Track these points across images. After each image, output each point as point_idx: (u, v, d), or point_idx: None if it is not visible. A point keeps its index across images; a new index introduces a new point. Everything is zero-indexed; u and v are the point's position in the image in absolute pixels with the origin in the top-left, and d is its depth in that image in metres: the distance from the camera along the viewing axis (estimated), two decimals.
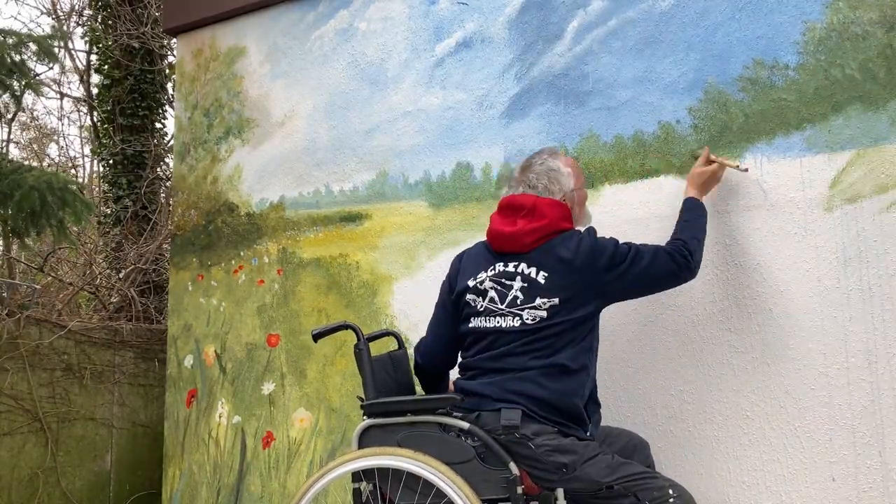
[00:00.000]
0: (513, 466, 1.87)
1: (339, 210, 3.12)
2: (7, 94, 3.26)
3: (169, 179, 6.84)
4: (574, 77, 2.66)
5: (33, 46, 3.25)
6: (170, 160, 7.08)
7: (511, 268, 2.05)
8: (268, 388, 3.17)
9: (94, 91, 7.41)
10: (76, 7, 8.06)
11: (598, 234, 2.10)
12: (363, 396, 2.06)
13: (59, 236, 3.45)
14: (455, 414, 1.99)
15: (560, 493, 1.98)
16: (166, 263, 5.66)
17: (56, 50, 3.32)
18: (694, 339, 2.36)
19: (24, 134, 10.44)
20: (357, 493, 1.99)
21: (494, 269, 2.08)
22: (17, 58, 3.19)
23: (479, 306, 2.07)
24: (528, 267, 2.03)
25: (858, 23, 2.23)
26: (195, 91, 3.60)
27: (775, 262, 2.27)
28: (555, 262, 2.01)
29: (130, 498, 4.08)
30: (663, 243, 2.12)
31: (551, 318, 1.98)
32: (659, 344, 2.41)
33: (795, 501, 2.18)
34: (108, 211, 6.77)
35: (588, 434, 2.02)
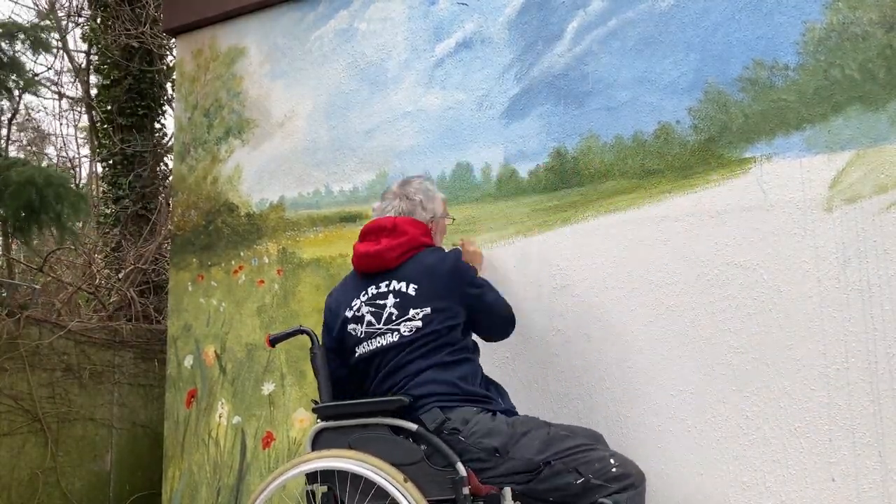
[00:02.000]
0: (460, 467, 1.88)
1: (339, 210, 3.12)
2: (4, 92, 3.26)
3: (169, 180, 6.84)
4: (574, 77, 2.66)
5: (22, 36, 3.23)
6: (169, 160, 7.08)
7: (383, 287, 2.14)
8: (268, 388, 3.17)
9: (94, 91, 7.41)
10: (75, 7, 8.05)
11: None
12: (317, 399, 2.11)
13: (60, 234, 3.45)
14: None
15: (507, 492, 1.97)
16: (166, 263, 5.66)
17: (47, 39, 3.30)
18: (694, 339, 2.37)
19: (23, 135, 10.44)
20: (310, 495, 2.01)
21: (367, 293, 2.16)
22: (10, 51, 3.18)
23: (359, 333, 2.14)
24: (399, 282, 2.12)
25: (858, 23, 2.23)
26: (195, 91, 3.60)
27: (775, 262, 2.28)
28: (422, 273, 2.12)
29: (130, 498, 4.09)
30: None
31: (426, 327, 2.07)
32: (659, 344, 2.42)
33: (795, 501, 2.19)
34: (108, 211, 6.77)
35: (500, 402, 2.11)
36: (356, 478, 1.89)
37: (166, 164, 7.18)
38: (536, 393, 2.59)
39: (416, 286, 2.10)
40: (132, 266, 5.61)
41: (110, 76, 6.79)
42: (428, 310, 2.08)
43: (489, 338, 2.35)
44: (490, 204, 2.77)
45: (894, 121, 2.16)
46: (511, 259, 2.70)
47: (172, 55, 6.78)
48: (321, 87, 3.22)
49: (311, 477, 2.00)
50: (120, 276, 5.80)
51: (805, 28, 2.30)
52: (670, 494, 2.35)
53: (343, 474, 1.92)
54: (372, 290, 2.16)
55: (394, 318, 2.09)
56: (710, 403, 2.32)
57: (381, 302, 2.13)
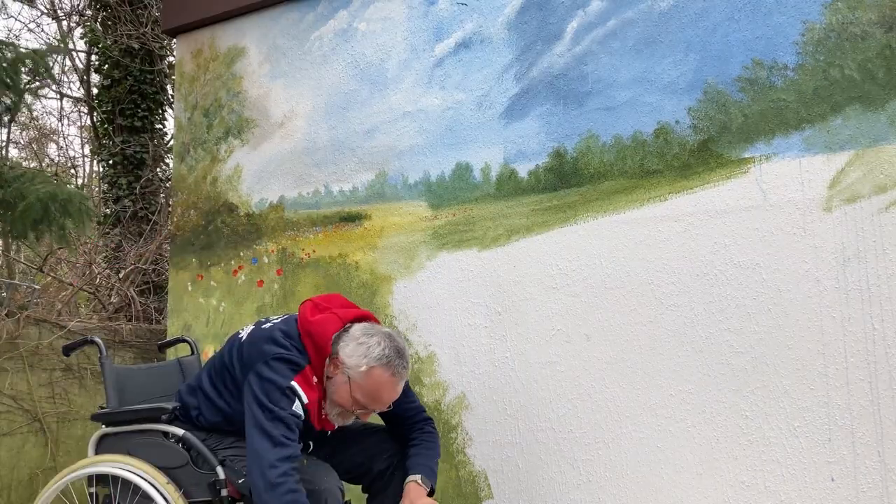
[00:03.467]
0: (219, 470, 1.98)
1: (339, 210, 3.12)
2: (7, 99, 3.26)
3: (169, 180, 6.84)
4: (573, 77, 2.66)
5: (30, 63, 3.25)
6: (169, 160, 7.08)
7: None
8: None
9: (94, 91, 7.41)
10: (76, 7, 8.05)
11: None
12: (103, 405, 2.22)
13: (59, 242, 3.45)
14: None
15: None
16: (166, 263, 5.66)
17: (51, 63, 3.32)
18: (694, 339, 2.37)
19: (24, 134, 10.44)
20: (92, 497, 2.12)
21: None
22: (14, 75, 3.19)
23: None
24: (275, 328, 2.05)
25: (857, 23, 2.23)
26: (195, 91, 3.60)
27: (775, 262, 2.27)
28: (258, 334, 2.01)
29: None
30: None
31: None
32: (659, 344, 2.41)
33: (795, 501, 2.19)
34: (108, 211, 6.77)
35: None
36: (126, 481, 2.02)
37: (166, 164, 7.19)
38: (536, 393, 2.59)
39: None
40: (132, 266, 5.61)
41: (111, 77, 6.79)
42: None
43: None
44: (490, 204, 2.77)
45: (893, 121, 2.16)
46: (511, 259, 2.70)
47: (173, 56, 6.78)
48: (321, 87, 3.22)
49: (92, 480, 2.12)
50: (120, 276, 5.80)
51: (804, 28, 2.30)
52: (670, 494, 2.35)
53: (116, 477, 2.05)
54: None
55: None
56: (709, 403, 2.32)
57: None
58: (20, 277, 5.77)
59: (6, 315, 3.71)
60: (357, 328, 1.95)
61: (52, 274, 5.89)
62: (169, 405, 2.12)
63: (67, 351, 2.35)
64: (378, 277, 2.97)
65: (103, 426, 2.20)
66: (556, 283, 2.60)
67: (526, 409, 2.61)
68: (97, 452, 2.18)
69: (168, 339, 2.41)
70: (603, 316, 2.52)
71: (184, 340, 2.66)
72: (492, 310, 2.71)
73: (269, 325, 2.01)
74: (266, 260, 3.27)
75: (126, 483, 2.03)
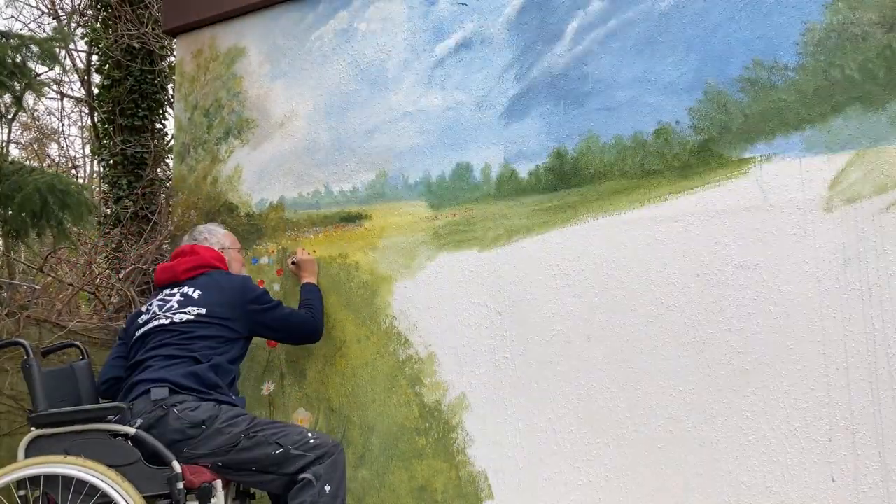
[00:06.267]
0: (175, 465, 2.09)
1: (339, 210, 3.12)
2: (8, 96, 3.25)
3: (169, 180, 6.84)
4: (574, 77, 2.66)
5: (35, 48, 3.24)
6: (170, 161, 7.08)
7: (174, 291, 2.54)
8: (268, 388, 3.17)
9: (95, 91, 7.41)
10: (77, 7, 8.06)
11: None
12: (32, 408, 2.24)
13: (59, 237, 3.44)
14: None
15: (219, 483, 2.21)
16: None
17: (57, 51, 3.31)
18: (694, 339, 2.37)
19: (25, 134, 10.44)
20: (24, 500, 2.12)
21: (160, 295, 2.56)
22: (19, 59, 3.18)
23: (143, 320, 2.50)
24: (188, 289, 2.53)
25: (858, 23, 2.23)
26: (195, 91, 3.60)
27: (775, 263, 2.27)
28: (209, 285, 2.53)
29: None
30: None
31: (196, 321, 2.42)
32: (659, 344, 2.41)
33: (795, 501, 2.19)
34: (108, 211, 6.77)
35: (233, 399, 2.38)
36: (75, 482, 2.05)
37: (167, 165, 7.19)
38: (536, 393, 2.59)
39: (200, 292, 2.50)
40: (132, 266, 5.61)
41: (111, 77, 6.79)
42: (203, 310, 2.45)
43: (290, 343, 2.90)
44: (490, 204, 2.77)
45: (894, 121, 2.16)
46: (511, 259, 2.70)
47: (174, 56, 6.78)
48: (321, 87, 3.22)
49: (25, 483, 2.12)
50: (120, 276, 5.80)
51: (805, 28, 2.30)
52: (670, 494, 2.35)
53: (62, 479, 2.07)
54: (165, 293, 2.56)
55: (173, 309, 2.46)
56: (709, 403, 2.32)
57: (169, 298, 2.51)
58: (20, 277, 5.77)
59: (6, 315, 3.71)
60: (203, 241, 2.78)
61: (52, 274, 5.89)
62: (123, 404, 2.19)
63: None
64: (378, 277, 2.97)
65: (33, 428, 2.19)
66: (557, 284, 2.60)
67: (526, 409, 2.61)
68: (28, 456, 2.16)
69: (55, 344, 2.49)
70: (603, 316, 2.52)
71: (73, 345, 2.69)
72: (492, 310, 2.71)
73: (203, 288, 2.52)
74: (266, 260, 3.27)
75: (70, 483, 2.05)
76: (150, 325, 2.45)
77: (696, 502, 2.31)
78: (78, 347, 2.66)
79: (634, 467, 2.41)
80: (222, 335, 2.46)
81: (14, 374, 3.66)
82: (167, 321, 2.43)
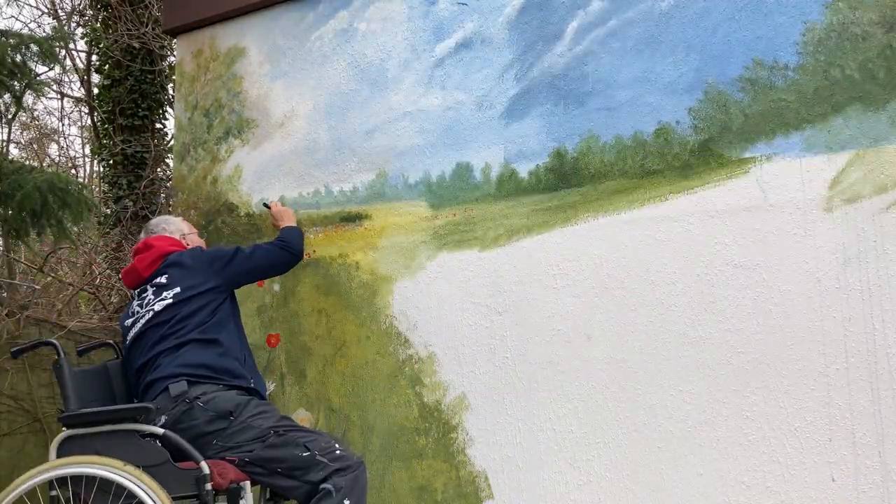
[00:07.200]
0: (203, 465, 2.08)
1: (339, 210, 3.12)
2: (8, 95, 3.25)
3: (169, 180, 6.84)
4: (574, 77, 2.66)
5: (35, 48, 3.24)
6: (170, 160, 7.08)
7: (146, 287, 2.54)
8: (268, 387, 3.17)
9: (95, 91, 7.41)
10: (77, 7, 8.06)
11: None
12: (63, 409, 2.24)
13: (58, 236, 3.45)
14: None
15: (247, 484, 2.20)
16: None
17: (57, 50, 3.32)
18: (694, 339, 2.37)
19: (25, 134, 10.44)
20: (55, 500, 2.13)
21: (138, 298, 2.55)
22: (19, 58, 3.18)
23: (128, 323, 2.50)
24: (157, 279, 2.52)
25: (858, 23, 2.23)
26: (195, 91, 3.60)
27: (775, 263, 2.27)
28: (171, 268, 2.53)
29: None
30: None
31: (175, 302, 2.43)
32: (659, 344, 2.41)
33: (795, 501, 2.19)
34: (108, 211, 6.77)
35: (252, 384, 2.39)
36: (103, 481, 2.05)
37: (167, 164, 7.18)
38: (536, 393, 2.59)
39: (167, 275, 2.51)
40: None
41: (111, 76, 6.79)
42: (178, 289, 2.46)
43: (273, 276, 2.95)
44: (490, 204, 2.77)
45: (894, 121, 2.16)
46: (511, 259, 2.70)
47: (174, 56, 6.78)
48: (321, 87, 3.22)
49: (57, 483, 2.13)
50: (120, 276, 5.79)
51: (805, 28, 2.30)
52: (670, 495, 2.35)
53: (90, 479, 2.07)
54: (139, 292, 2.55)
55: (151, 301, 2.48)
56: (710, 403, 2.32)
57: (144, 294, 2.52)
58: (20, 277, 5.77)
59: (6, 315, 3.71)
60: (162, 231, 2.75)
61: (52, 274, 5.89)
62: (151, 404, 2.17)
63: (17, 354, 2.40)
64: (378, 277, 2.97)
65: (65, 429, 2.20)
66: (557, 284, 2.60)
67: (526, 409, 2.61)
68: (60, 455, 2.17)
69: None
70: (603, 316, 2.52)
71: (108, 344, 2.70)
72: (492, 310, 2.71)
73: (168, 270, 2.53)
74: None
75: (99, 483, 2.05)
76: (139, 325, 2.46)
77: (696, 502, 2.31)
78: (113, 347, 2.67)
79: (634, 467, 2.41)
80: (205, 303, 2.46)
81: (14, 374, 3.66)
82: (151, 314, 2.44)
